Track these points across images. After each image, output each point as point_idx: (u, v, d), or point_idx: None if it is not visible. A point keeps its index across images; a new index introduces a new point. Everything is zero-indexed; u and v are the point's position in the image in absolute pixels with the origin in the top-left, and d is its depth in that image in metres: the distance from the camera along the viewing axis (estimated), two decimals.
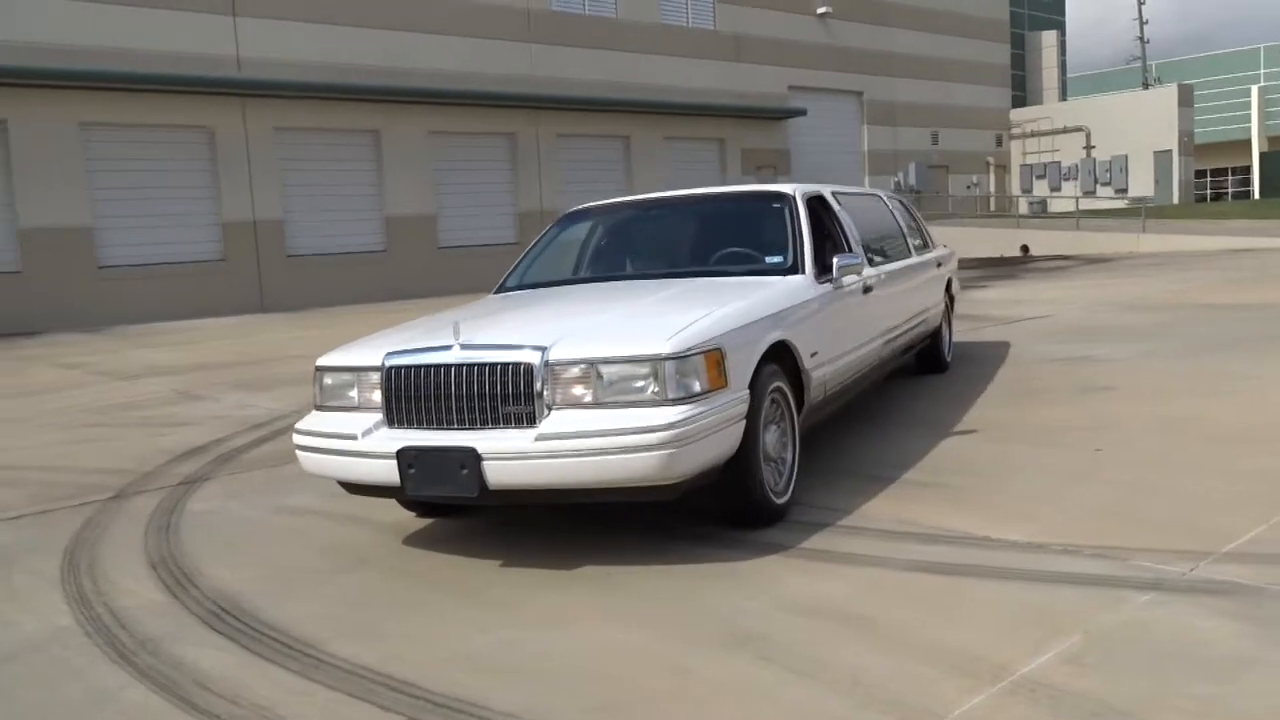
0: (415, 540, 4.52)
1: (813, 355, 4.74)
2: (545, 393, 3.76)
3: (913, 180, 33.54)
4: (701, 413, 3.72)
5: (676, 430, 3.61)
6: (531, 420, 3.74)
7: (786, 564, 3.85)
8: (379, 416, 4.03)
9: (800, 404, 4.67)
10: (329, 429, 4.09)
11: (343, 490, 4.33)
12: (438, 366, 3.89)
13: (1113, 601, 3.28)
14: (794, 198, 5.47)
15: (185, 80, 20.30)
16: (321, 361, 4.30)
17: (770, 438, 4.33)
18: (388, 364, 4.01)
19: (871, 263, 6.01)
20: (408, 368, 3.95)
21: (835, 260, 5.15)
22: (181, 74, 20.24)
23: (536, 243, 6.12)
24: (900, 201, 7.93)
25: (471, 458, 3.68)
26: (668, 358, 3.71)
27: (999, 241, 28.32)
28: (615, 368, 3.74)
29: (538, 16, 25.68)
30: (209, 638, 3.46)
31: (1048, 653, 2.92)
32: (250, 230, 21.53)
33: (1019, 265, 23.56)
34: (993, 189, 38.39)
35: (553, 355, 3.78)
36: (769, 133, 30.70)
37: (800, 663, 2.98)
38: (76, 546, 4.68)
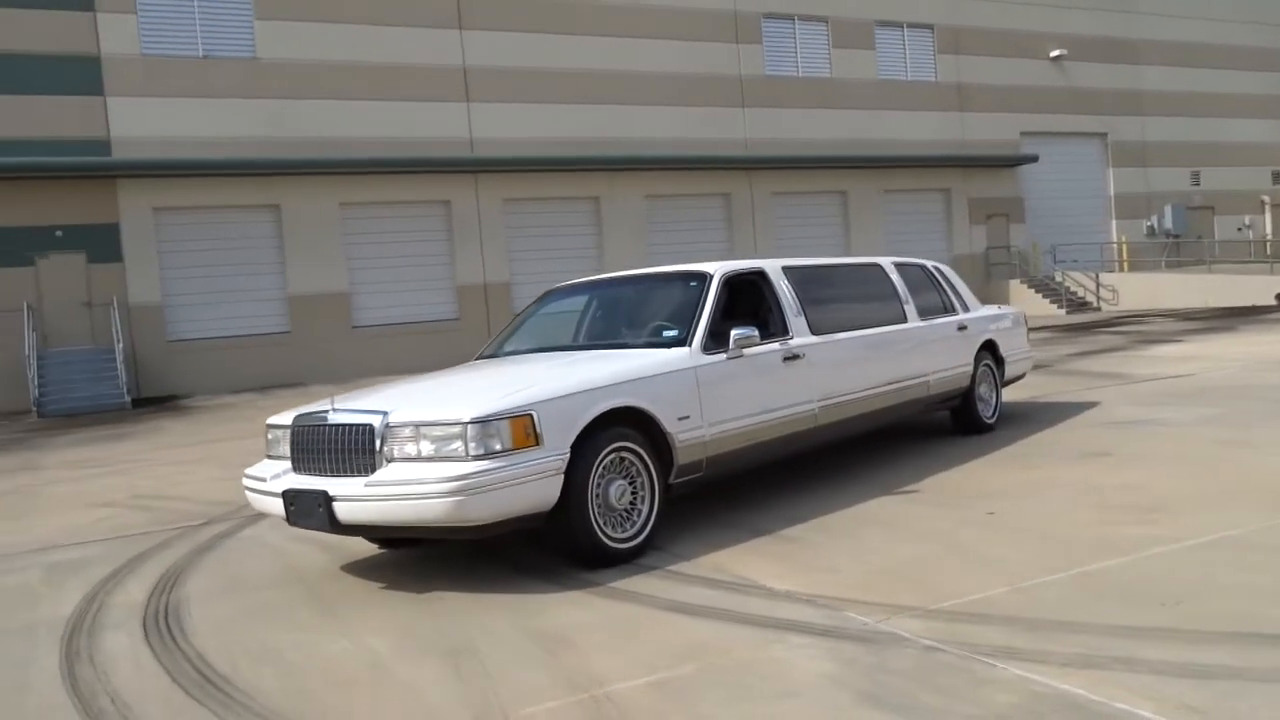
0: (353, 566, 5.57)
1: (682, 419, 5.39)
2: (385, 448, 4.72)
3: (1169, 224, 31.45)
4: (499, 467, 4.54)
5: (465, 481, 4.45)
6: (371, 469, 4.71)
7: (572, 598, 4.57)
8: (289, 464, 5.14)
9: (668, 462, 5.33)
10: (258, 473, 5.26)
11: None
12: (318, 426, 4.96)
13: (768, 642, 3.79)
14: (711, 277, 6.12)
15: (427, 162, 22.98)
16: (269, 420, 5.48)
17: (612, 490, 5.03)
18: (294, 423, 5.12)
19: (817, 330, 6.50)
20: (301, 427, 5.05)
21: (732, 333, 5.76)
22: (423, 156, 22.93)
23: (517, 316, 7.09)
24: (924, 268, 8.22)
25: (325, 498, 4.70)
26: (470, 422, 4.57)
27: (1264, 288, 26.02)
28: (434, 429, 4.64)
29: (752, 82, 26.74)
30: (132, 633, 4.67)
31: (650, 676, 3.52)
32: (481, 291, 23.85)
33: (1259, 315, 21.73)
34: (1269, 231, 35.08)
35: (391, 419, 4.75)
36: (999, 181, 29.98)
37: (473, 669, 3.74)
38: (129, 563, 6.12)
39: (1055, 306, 27.36)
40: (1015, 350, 8.98)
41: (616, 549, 5.03)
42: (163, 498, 8.43)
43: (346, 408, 4.96)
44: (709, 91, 26.14)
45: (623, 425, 5.13)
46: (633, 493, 5.18)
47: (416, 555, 5.68)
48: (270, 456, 5.42)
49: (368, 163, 22.43)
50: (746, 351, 5.88)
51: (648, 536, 5.20)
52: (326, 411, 4.99)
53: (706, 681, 3.44)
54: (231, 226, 21.81)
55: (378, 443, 4.73)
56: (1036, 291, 28.20)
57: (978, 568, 4.53)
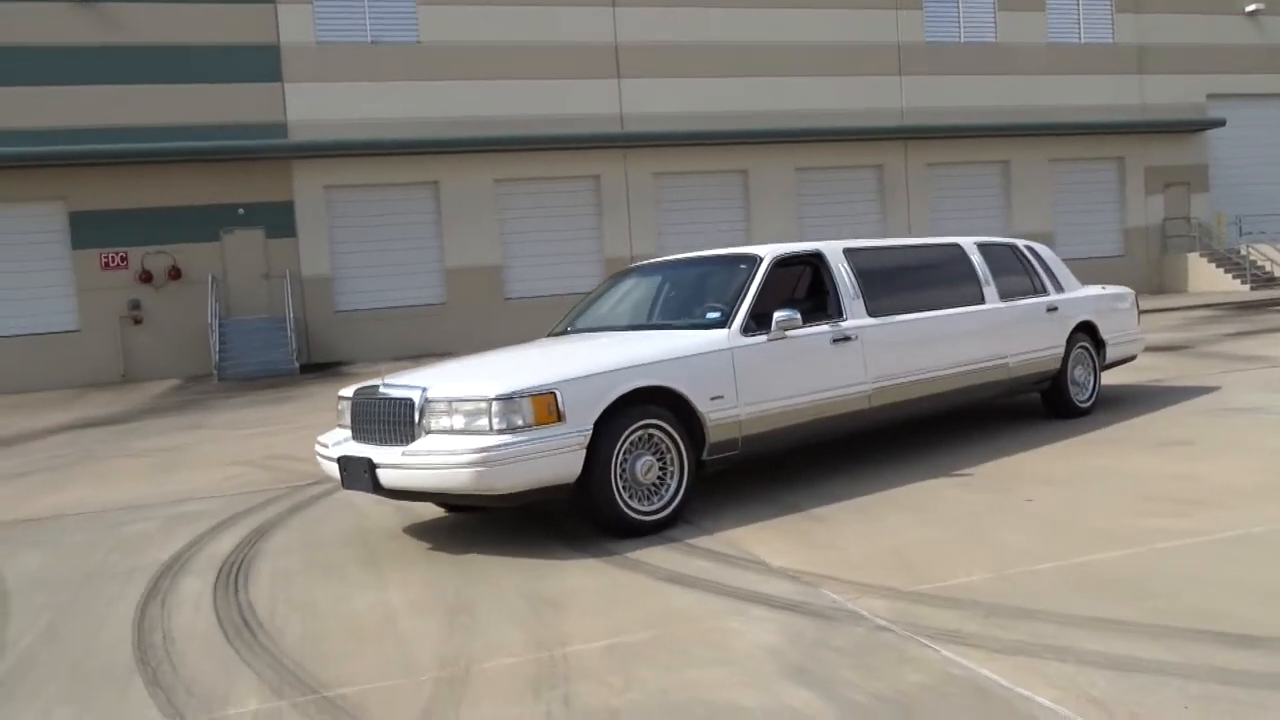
0: (413, 528, 6.05)
1: (715, 399, 5.59)
2: (423, 421, 5.14)
3: None
4: (521, 441, 4.89)
5: (488, 453, 4.82)
6: (410, 440, 5.14)
7: (586, 565, 4.88)
8: (350, 433, 5.64)
9: (700, 441, 5.56)
10: (325, 440, 5.78)
11: None
12: (370, 400, 5.43)
13: (734, 613, 4.00)
14: (761, 260, 6.26)
15: (578, 138, 23.55)
16: (339, 393, 5.99)
17: (639, 466, 5.30)
18: (354, 396, 5.61)
19: (876, 312, 6.55)
20: (357, 399, 5.53)
21: (775, 316, 5.90)
22: (575, 133, 23.52)
23: (588, 294, 7.40)
24: (1013, 248, 8.05)
25: (370, 465, 5.16)
26: (495, 398, 4.93)
27: None
28: (465, 404, 5.03)
29: (911, 50, 26.06)
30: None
31: (609, 640, 3.80)
32: (629, 264, 24.30)
33: None
34: None
35: (430, 394, 5.16)
36: (1180, 147, 28.18)
37: (464, 625, 4.11)
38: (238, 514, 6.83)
39: (1238, 281, 25.62)
40: (1120, 332, 8.67)
41: (641, 521, 5.30)
42: (290, 458, 9.21)
43: (395, 383, 5.41)
44: (864, 61, 25.64)
45: (652, 404, 5.37)
46: (661, 468, 5.43)
47: (473, 520, 6.11)
48: (339, 425, 5.95)
49: (522, 140, 23.19)
50: (790, 334, 6.01)
51: (675, 510, 5.45)
52: (379, 386, 5.45)
53: (657, 647, 3.69)
54: (394, 203, 23.02)
55: (417, 415, 5.15)
56: (1218, 265, 26.46)
57: (979, 553, 4.57)
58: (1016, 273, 7.91)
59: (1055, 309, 7.97)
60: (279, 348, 20.57)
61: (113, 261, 21.39)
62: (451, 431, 5.06)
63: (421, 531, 5.91)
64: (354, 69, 22.54)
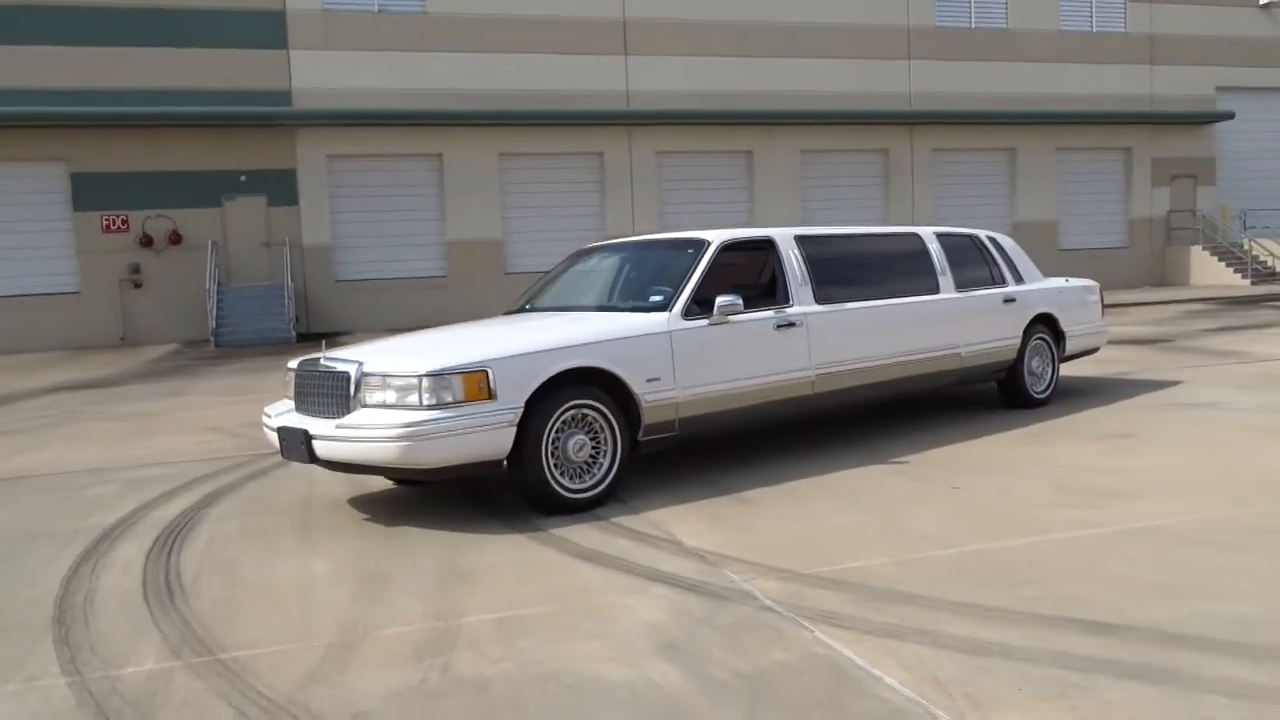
0: (359, 499, 6.18)
1: (651, 381, 5.69)
2: (358, 395, 5.26)
3: None
4: (449, 417, 5.00)
5: (415, 428, 4.94)
6: (345, 413, 5.27)
7: (509, 540, 4.99)
8: (293, 404, 5.77)
9: (637, 421, 5.67)
10: (270, 410, 5.92)
11: None
12: (310, 372, 5.55)
13: (632, 591, 4.12)
14: (708, 245, 6.34)
15: (583, 114, 23.59)
16: (288, 364, 6.12)
17: (570, 444, 5.41)
18: (295, 368, 5.74)
19: (824, 299, 6.63)
20: (300, 371, 5.66)
21: (717, 300, 5.99)
22: (580, 109, 23.54)
23: (547, 273, 7.49)
24: (973, 239, 8.10)
25: (305, 436, 5.29)
26: (424, 374, 5.04)
27: None
28: (397, 380, 5.14)
29: (920, 34, 25.93)
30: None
31: (503, 613, 3.92)
32: None
33: None
34: None
35: (365, 369, 5.28)
36: (1187, 140, 28.00)
37: (374, 594, 4.24)
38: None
39: (1239, 276, 25.51)
40: (1080, 325, 8.72)
41: (572, 498, 5.42)
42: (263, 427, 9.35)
43: (334, 356, 5.53)
44: (872, 43, 25.54)
45: (586, 384, 5.48)
46: (595, 447, 5.54)
47: (415, 493, 6.24)
48: (286, 396, 6.07)
49: (526, 115, 23.23)
50: (732, 319, 6.09)
51: (608, 488, 5.56)
52: (319, 359, 5.57)
53: (548, 621, 3.81)
54: (397, 174, 23.13)
55: (352, 389, 5.28)
56: (1220, 259, 26.35)
57: (887, 539, 4.67)
58: (975, 263, 7.96)
59: (1012, 300, 8.03)
60: (276, 315, 20.75)
61: (114, 224, 21.58)
62: (385, 406, 5.17)
63: (364, 503, 6.05)
64: (360, 37, 22.59)
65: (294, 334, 20.37)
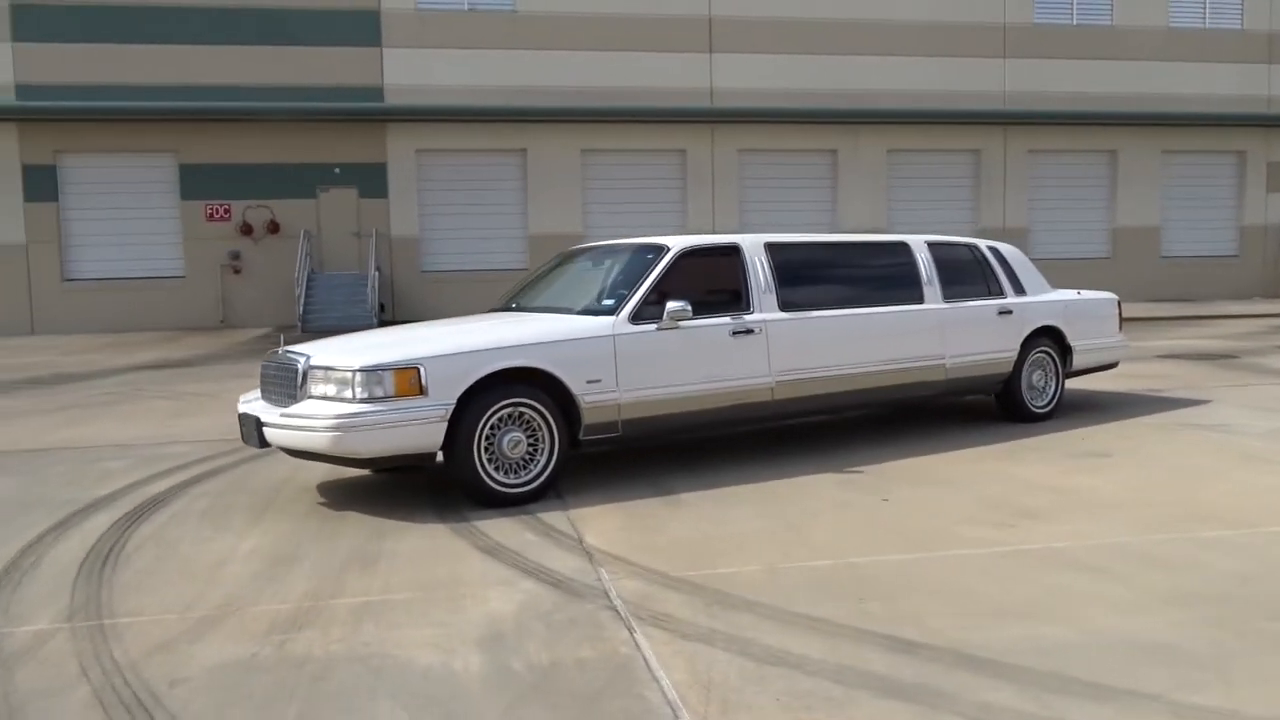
0: (325, 485, 6.53)
1: (592, 383, 5.88)
2: (304, 386, 5.60)
3: None
4: (379, 410, 5.30)
5: (345, 420, 5.25)
6: (292, 403, 5.61)
7: (431, 530, 5.25)
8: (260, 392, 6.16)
9: (577, 422, 5.87)
10: (243, 398, 6.31)
11: None
12: (271, 363, 5.92)
13: (503, 584, 4.33)
14: (666, 251, 6.48)
15: (666, 112, 23.76)
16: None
17: (505, 441, 5.64)
18: (263, 360, 6.12)
19: (789, 307, 6.70)
20: (265, 363, 6.03)
21: (667, 306, 6.14)
22: (663, 106, 23.73)
23: (532, 272, 7.72)
24: (972, 249, 8.00)
25: (258, 423, 5.66)
26: (358, 369, 5.35)
27: None
28: (335, 373, 5.46)
29: (1017, 31, 25.24)
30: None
31: (370, 597, 4.18)
32: None
33: None
34: None
35: (311, 362, 5.61)
36: None
37: (277, 573, 4.55)
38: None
39: None
40: (1091, 339, 8.51)
41: (504, 492, 5.65)
42: None
43: (291, 350, 5.88)
44: (966, 41, 24.97)
45: (524, 384, 5.71)
46: (533, 444, 5.76)
47: (382, 481, 6.56)
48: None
49: (610, 112, 23.52)
50: (683, 324, 6.23)
51: (544, 484, 5.78)
52: (278, 351, 5.94)
53: (404, 607, 4.05)
54: (482, 168, 23.72)
55: (299, 380, 5.62)
56: None
57: (777, 547, 4.76)
58: (970, 274, 7.88)
59: (1009, 312, 7.91)
60: (360, 303, 21.56)
61: (217, 213, 22.73)
62: (325, 398, 5.50)
63: (332, 488, 6.39)
64: (451, 35, 23.22)
65: (376, 321, 21.12)
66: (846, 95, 24.41)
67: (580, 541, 4.95)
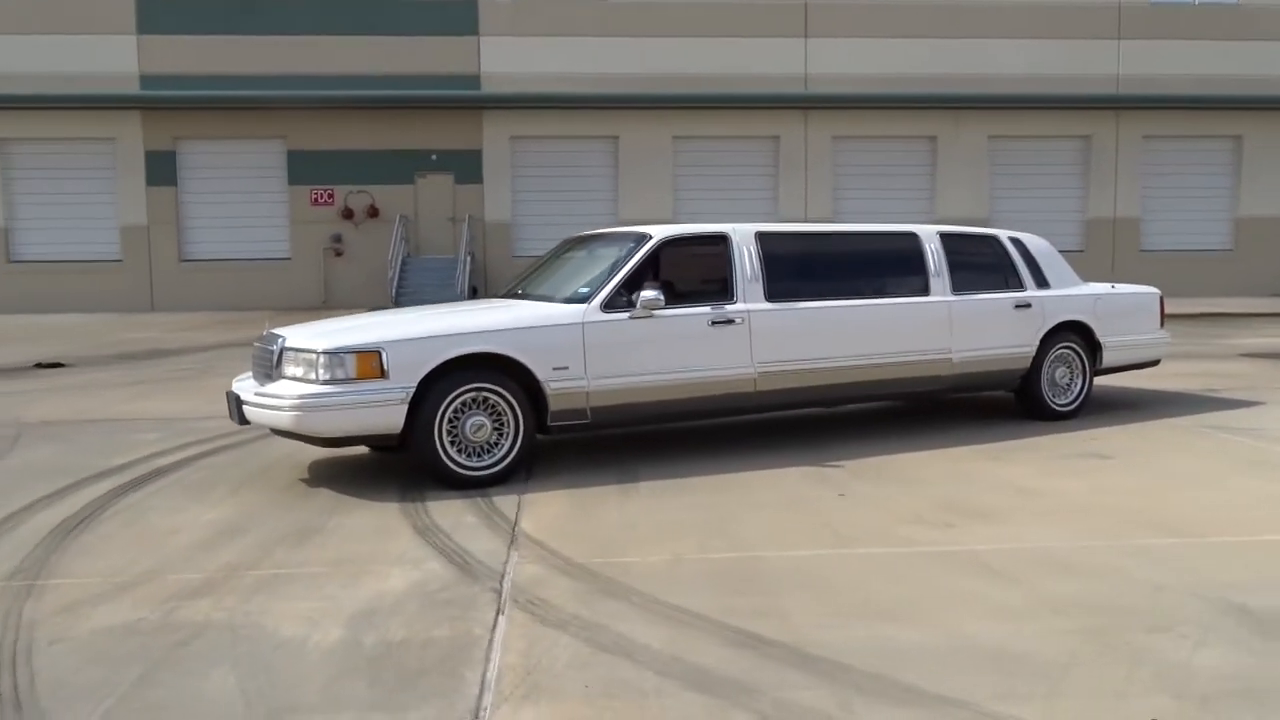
0: (317, 463, 6.77)
1: (559, 370, 5.97)
2: (280, 367, 5.85)
3: None
4: (340, 392, 5.50)
5: (306, 400, 5.48)
6: (269, 382, 5.87)
7: (383, 508, 5.42)
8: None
9: (545, 408, 5.97)
10: (237, 377, 6.62)
11: None
12: (258, 344, 6.19)
13: (412, 564, 4.46)
14: (648, 240, 6.50)
15: (759, 98, 23.58)
16: None
17: (469, 424, 5.78)
18: (255, 341, 6.41)
19: (776, 297, 6.64)
20: (255, 343, 6.31)
21: (641, 295, 6.17)
22: (756, 92, 23.55)
23: (541, 258, 7.79)
24: (992, 240, 7.76)
25: (238, 400, 5.94)
26: (322, 352, 5.56)
27: None
28: (303, 355, 5.69)
29: (1132, 11, 24.08)
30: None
31: (285, 570, 4.37)
32: None
33: None
34: None
35: (285, 344, 5.85)
36: None
37: (218, 542, 4.79)
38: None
39: None
40: (1125, 335, 8.13)
41: (465, 475, 5.79)
42: None
43: (274, 332, 6.14)
44: (1075, 22, 23.95)
45: (490, 369, 5.83)
46: (498, 429, 5.89)
47: (379, 459, 6.78)
48: None
49: (703, 98, 23.48)
50: (657, 313, 6.25)
51: (509, 467, 5.90)
52: (264, 334, 6.21)
53: (305, 580, 4.23)
54: (574, 155, 23.99)
55: (275, 361, 5.87)
56: None
57: (699, 538, 4.77)
58: (986, 266, 7.64)
59: (1027, 305, 7.64)
60: (451, 286, 22.10)
61: (321, 198, 23.62)
62: (295, 379, 5.73)
63: (322, 465, 6.65)
64: (545, 23, 23.51)
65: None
66: (947, 79, 23.74)
67: (514, 526, 5.05)
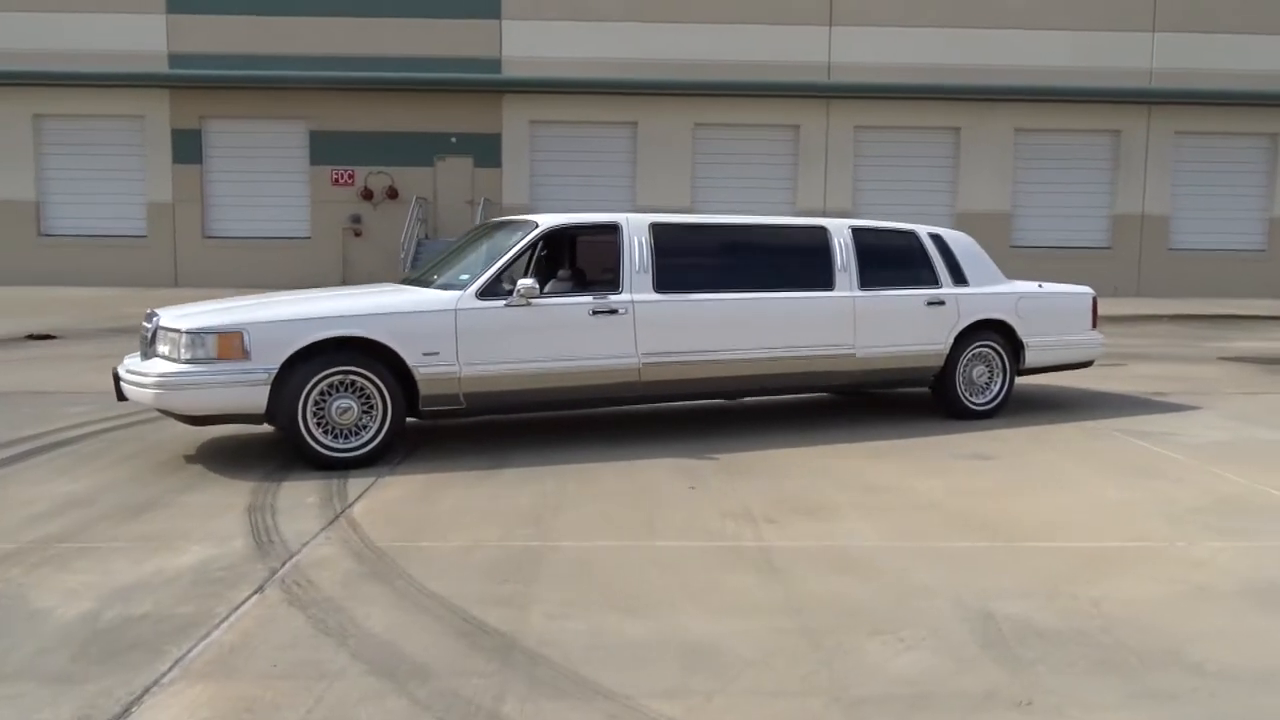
0: (213, 441, 6.94)
1: (429, 355, 6.04)
2: (153, 345, 5.99)
3: None
4: (200, 371, 5.63)
5: (166, 379, 5.62)
6: (144, 360, 6.02)
7: (243, 487, 5.53)
8: None
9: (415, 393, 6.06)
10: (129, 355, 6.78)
11: None
12: (143, 323, 6.35)
13: (218, 539, 4.56)
14: (534, 228, 6.54)
15: (781, 86, 23.41)
16: None
17: (334, 407, 5.88)
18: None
19: (665, 288, 6.64)
20: (143, 321, 6.47)
21: (519, 283, 6.22)
22: (778, 81, 23.38)
23: (453, 242, 7.85)
24: (910, 235, 7.65)
25: (117, 378, 6.10)
26: (185, 331, 5.69)
27: None
28: (170, 334, 5.82)
29: (1168, 2, 23.43)
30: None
31: (85, 543, 4.50)
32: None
33: None
34: None
35: (159, 323, 5.99)
36: None
37: (56, 514, 4.95)
38: None
39: None
40: (1051, 336, 7.98)
41: (332, 457, 5.89)
42: None
43: (154, 310, 6.29)
44: (1106, 14, 23.39)
45: (358, 352, 5.92)
46: (367, 411, 5.98)
47: (279, 437, 6.91)
48: None
49: (724, 85, 23.38)
50: (535, 302, 6.28)
51: (376, 450, 5.99)
52: (147, 311, 6.36)
53: (102, 554, 4.34)
54: (593, 140, 24.05)
55: (149, 339, 6.02)
56: None
57: (515, 525, 4.81)
58: (899, 262, 7.54)
59: (940, 303, 7.53)
60: None
61: (341, 179, 23.98)
62: (163, 357, 5.87)
63: (213, 442, 6.79)
64: (567, 8, 23.56)
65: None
66: (972, 70, 23.37)
67: (347, 508, 5.13)
